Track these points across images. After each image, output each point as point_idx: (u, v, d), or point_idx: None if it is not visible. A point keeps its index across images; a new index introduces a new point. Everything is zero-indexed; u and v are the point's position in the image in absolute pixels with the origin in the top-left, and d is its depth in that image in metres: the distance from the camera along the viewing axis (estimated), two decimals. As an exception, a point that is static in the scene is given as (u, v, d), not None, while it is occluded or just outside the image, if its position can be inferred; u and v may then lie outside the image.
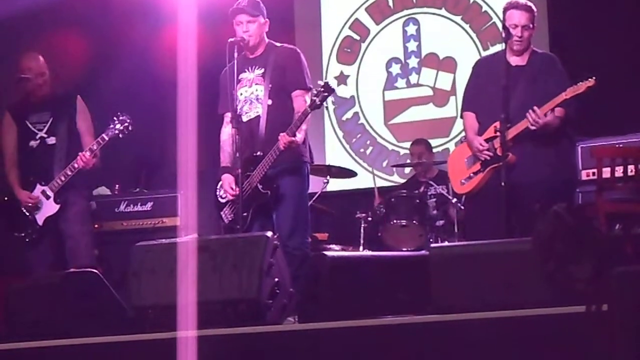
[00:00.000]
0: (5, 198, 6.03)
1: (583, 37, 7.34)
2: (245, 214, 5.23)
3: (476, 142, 5.40)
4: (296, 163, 5.33)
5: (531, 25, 5.37)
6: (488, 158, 5.35)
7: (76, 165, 5.85)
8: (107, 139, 5.88)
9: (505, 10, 5.44)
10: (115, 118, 5.91)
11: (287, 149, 5.18)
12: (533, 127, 5.18)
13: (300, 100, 5.36)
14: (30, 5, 7.03)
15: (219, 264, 4.47)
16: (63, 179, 5.88)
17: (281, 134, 5.17)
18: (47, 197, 5.92)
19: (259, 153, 5.28)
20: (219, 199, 5.47)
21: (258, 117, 5.36)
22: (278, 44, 5.49)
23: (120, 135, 5.91)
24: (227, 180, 5.36)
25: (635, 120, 6.45)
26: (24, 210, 5.97)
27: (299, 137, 5.22)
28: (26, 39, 6.64)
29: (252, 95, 5.40)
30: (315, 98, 5.20)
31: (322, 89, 5.19)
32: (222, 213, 5.47)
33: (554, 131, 5.27)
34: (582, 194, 6.16)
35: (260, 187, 5.26)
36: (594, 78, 5.09)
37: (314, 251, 5.57)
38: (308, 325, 4.34)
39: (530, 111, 5.15)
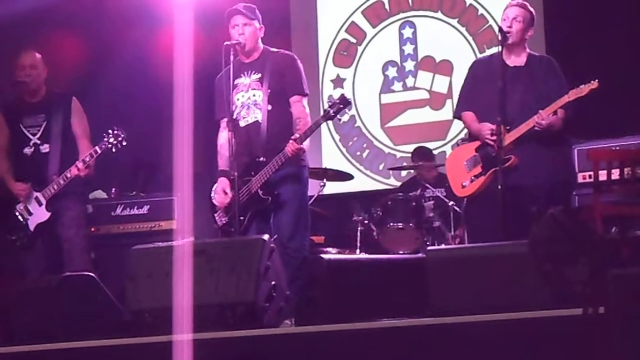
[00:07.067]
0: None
1: (579, 40, 7.34)
2: (241, 217, 5.22)
3: (485, 128, 5.33)
4: (296, 168, 5.33)
5: (521, 19, 5.38)
6: (492, 143, 5.27)
7: (69, 175, 5.84)
8: (99, 152, 5.85)
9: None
10: (110, 131, 5.86)
11: (292, 156, 5.18)
12: (537, 128, 5.18)
13: (299, 106, 5.36)
14: (26, 7, 7.03)
15: (215, 267, 4.47)
16: (56, 187, 5.87)
17: (290, 140, 5.15)
18: (40, 204, 5.91)
19: (261, 159, 5.26)
20: (214, 201, 5.47)
21: (257, 122, 5.35)
22: (274, 50, 5.48)
23: (114, 150, 5.87)
24: (222, 184, 5.34)
25: (631, 122, 6.45)
26: (17, 214, 5.95)
27: (305, 144, 5.23)
28: (22, 41, 6.61)
29: (249, 101, 5.38)
30: (330, 109, 5.20)
31: (338, 101, 5.19)
32: (215, 215, 5.47)
33: (555, 133, 5.28)
34: (578, 196, 6.15)
35: (260, 192, 5.26)
36: (596, 80, 5.10)
37: (311, 254, 5.57)
38: (305, 328, 4.34)
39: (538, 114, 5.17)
